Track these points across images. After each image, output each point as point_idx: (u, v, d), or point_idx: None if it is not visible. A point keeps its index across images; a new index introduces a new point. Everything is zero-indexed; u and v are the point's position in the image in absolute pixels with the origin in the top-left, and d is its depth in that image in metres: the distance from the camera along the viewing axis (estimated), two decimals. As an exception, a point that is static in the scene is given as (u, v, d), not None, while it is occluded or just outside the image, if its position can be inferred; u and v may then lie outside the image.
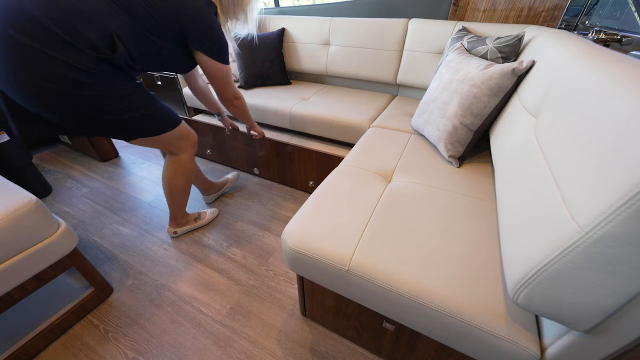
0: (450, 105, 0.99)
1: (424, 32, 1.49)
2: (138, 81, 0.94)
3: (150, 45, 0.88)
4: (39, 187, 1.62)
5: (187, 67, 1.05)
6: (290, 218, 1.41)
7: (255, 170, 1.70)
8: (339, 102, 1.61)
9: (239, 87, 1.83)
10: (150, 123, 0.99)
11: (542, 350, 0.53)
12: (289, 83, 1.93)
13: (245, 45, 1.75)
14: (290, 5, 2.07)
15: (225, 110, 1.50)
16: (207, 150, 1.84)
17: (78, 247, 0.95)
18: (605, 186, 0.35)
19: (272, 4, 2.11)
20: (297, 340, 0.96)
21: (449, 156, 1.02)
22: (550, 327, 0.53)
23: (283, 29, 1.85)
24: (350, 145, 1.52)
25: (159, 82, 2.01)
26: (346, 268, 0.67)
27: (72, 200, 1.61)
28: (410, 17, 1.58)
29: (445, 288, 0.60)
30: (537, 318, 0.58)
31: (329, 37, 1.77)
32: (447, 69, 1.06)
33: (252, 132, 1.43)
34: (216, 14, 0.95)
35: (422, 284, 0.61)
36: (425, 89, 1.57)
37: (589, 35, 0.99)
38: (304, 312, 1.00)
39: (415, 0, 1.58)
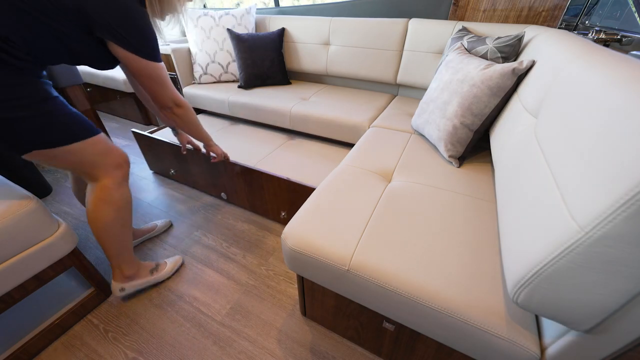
0: (450, 105, 0.99)
1: (424, 32, 1.49)
2: (36, 78, 0.76)
3: (44, 30, 0.70)
4: (39, 187, 1.62)
5: (104, 62, 0.84)
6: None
7: (223, 195, 1.51)
8: (339, 102, 1.61)
9: (239, 87, 1.83)
10: (44, 129, 0.75)
11: (542, 350, 0.53)
12: (289, 83, 1.93)
13: (246, 45, 1.75)
14: (290, 5, 2.07)
15: None
16: (170, 170, 1.66)
17: (78, 247, 0.95)
18: (605, 186, 0.35)
19: (272, 4, 2.11)
20: (297, 340, 0.96)
21: (449, 156, 1.02)
22: (550, 327, 0.53)
23: (283, 29, 1.85)
24: (350, 145, 1.52)
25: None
26: (346, 268, 0.67)
27: (72, 200, 1.61)
28: (410, 17, 1.58)
29: (445, 288, 0.60)
30: (537, 318, 0.58)
31: (329, 37, 1.77)
32: (447, 68, 1.06)
33: (211, 153, 1.20)
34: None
35: (422, 284, 0.61)
36: (425, 89, 1.57)
37: (589, 35, 0.99)
38: (304, 312, 1.00)
39: (415, 0, 1.58)
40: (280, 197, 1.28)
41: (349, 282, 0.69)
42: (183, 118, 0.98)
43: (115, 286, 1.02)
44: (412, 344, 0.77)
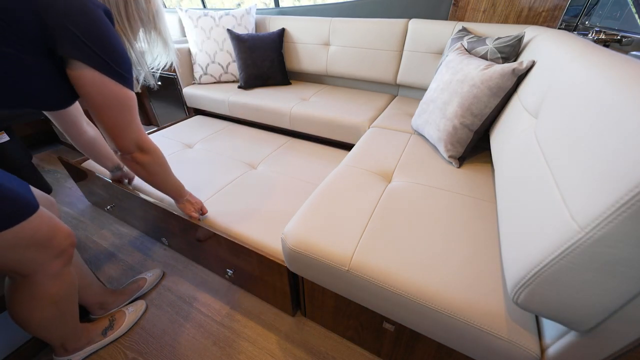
0: (450, 106, 0.99)
1: (424, 32, 1.49)
2: None
3: None
4: (39, 187, 1.61)
5: (60, 98, 0.64)
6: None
7: (164, 240, 1.28)
8: (339, 103, 1.61)
9: (239, 87, 1.83)
10: None
11: (542, 350, 0.53)
12: (289, 83, 1.93)
13: (246, 45, 1.75)
14: (290, 5, 2.07)
15: None
16: (106, 206, 1.41)
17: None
18: (606, 186, 0.35)
19: (272, 4, 2.11)
20: (297, 340, 0.96)
21: (449, 156, 1.02)
22: (550, 327, 0.53)
23: (283, 29, 1.85)
24: (350, 146, 1.52)
25: (159, 83, 2.01)
26: (346, 268, 0.67)
27: (72, 200, 1.61)
28: (410, 17, 1.58)
29: (445, 288, 0.60)
30: (537, 318, 0.58)
31: (329, 38, 1.77)
32: (447, 69, 1.06)
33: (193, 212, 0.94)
34: (109, 16, 0.62)
35: (422, 284, 0.61)
36: (425, 89, 1.57)
37: (589, 35, 0.99)
38: (304, 312, 1.00)
39: (415, 0, 1.58)
40: (222, 254, 1.02)
41: (349, 283, 0.69)
42: (148, 168, 0.74)
43: None
44: (412, 344, 0.77)
